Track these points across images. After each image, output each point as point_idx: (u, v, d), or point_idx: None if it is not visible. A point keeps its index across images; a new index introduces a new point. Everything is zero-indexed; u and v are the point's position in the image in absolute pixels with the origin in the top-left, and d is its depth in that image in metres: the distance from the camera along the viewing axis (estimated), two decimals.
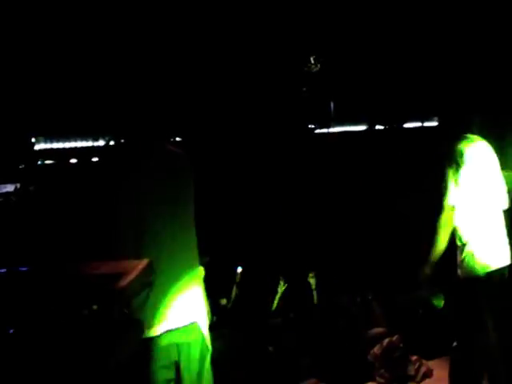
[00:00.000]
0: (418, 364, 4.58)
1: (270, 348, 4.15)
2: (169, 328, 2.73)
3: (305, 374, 4.33)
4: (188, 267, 2.87)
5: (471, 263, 3.47)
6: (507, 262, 3.59)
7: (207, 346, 2.82)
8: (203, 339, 2.80)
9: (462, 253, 3.51)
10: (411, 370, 4.54)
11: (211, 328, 3.89)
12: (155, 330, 2.71)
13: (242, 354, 4.06)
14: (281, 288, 5.19)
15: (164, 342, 2.72)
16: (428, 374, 4.56)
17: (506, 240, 3.63)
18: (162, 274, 2.52)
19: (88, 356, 2.00)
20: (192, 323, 2.79)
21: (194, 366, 2.76)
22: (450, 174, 3.47)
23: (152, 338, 2.70)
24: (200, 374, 2.78)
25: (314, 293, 5.18)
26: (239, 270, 5.34)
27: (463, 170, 3.44)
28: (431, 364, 4.67)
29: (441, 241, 3.50)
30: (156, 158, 2.99)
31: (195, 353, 2.76)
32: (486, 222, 3.52)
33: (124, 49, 5.94)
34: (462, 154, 3.47)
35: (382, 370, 4.50)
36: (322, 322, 4.66)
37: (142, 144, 3.05)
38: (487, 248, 3.49)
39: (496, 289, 3.49)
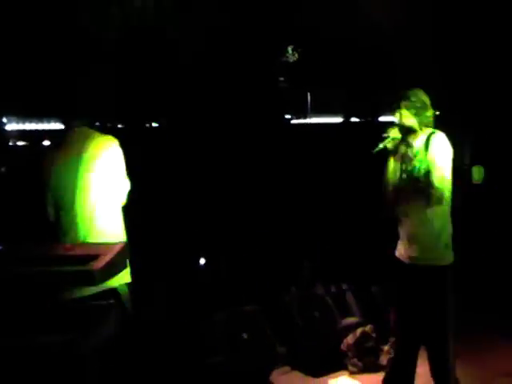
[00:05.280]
0: (390, 354, 4.61)
1: (245, 335, 4.13)
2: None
3: (279, 361, 4.34)
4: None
5: None
6: None
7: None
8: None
9: None
10: (383, 360, 4.56)
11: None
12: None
13: (216, 340, 4.03)
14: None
15: None
16: None
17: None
18: None
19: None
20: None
21: None
22: None
23: None
24: None
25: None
26: (202, 261, 5.32)
27: None
28: None
29: None
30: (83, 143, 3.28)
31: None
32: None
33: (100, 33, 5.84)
34: None
35: (355, 359, 4.53)
36: (297, 311, 4.65)
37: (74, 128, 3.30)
38: None
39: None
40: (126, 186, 3.37)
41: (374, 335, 4.68)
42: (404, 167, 3.40)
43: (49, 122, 6.14)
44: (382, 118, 8.53)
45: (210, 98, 7.14)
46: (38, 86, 5.90)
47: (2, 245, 2.44)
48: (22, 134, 6.05)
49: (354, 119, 8.26)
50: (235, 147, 7.24)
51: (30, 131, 6.01)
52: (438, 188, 3.22)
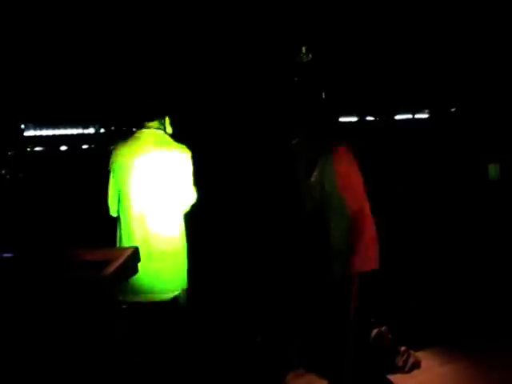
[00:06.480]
0: (406, 355, 4.58)
1: (258, 338, 4.14)
2: (150, 299, 2.97)
3: (293, 364, 4.33)
4: (176, 248, 3.16)
5: None
6: None
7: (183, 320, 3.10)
8: (178, 313, 3.06)
9: None
10: (399, 361, 4.53)
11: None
12: (138, 298, 2.97)
13: (230, 343, 4.05)
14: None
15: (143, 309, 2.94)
16: (416, 365, 4.57)
17: None
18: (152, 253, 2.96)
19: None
20: (171, 297, 3.04)
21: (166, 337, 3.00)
22: None
23: (131, 303, 2.93)
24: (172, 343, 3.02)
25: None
26: None
27: None
28: (419, 355, 4.67)
29: None
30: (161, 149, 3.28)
31: (169, 323, 3.00)
32: None
33: (117, 40, 5.89)
34: None
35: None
36: (311, 312, 4.64)
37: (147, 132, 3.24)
38: None
39: None
40: (191, 196, 3.37)
41: (389, 336, 4.66)
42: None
43: (65, 127, 6.23)
44: (398, 117, 8.49)
45: (224, 102, 7.17)
46: (61, 92, 5.99)
47: (13, 251, 2.48)
48: (39, 140, 6.14)
49: (369, 118, 8.22)
50: (249, 149, 7.25)
51: (47, 137, 6.09)
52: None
